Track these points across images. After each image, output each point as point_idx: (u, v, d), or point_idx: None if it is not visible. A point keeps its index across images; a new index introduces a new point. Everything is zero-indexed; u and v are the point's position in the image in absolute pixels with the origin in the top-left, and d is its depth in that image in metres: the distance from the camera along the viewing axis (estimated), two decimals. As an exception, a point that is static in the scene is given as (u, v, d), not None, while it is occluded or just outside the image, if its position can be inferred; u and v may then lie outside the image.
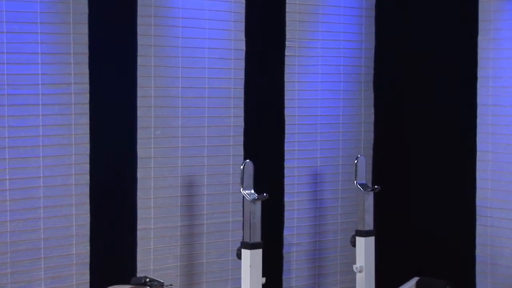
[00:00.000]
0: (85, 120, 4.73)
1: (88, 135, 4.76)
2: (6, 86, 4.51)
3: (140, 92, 4.90)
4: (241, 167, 4.95)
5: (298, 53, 5.66)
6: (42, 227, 4.66)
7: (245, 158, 5.07)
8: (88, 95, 4.76)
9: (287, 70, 5.63)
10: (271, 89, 5.58)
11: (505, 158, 5.46)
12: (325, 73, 5.79)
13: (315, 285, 5.83)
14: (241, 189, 4.94)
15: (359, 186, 5.31)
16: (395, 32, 5.93)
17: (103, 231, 4.83)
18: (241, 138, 5.31)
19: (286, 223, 5.66)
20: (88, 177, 4.78)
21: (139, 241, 4.91)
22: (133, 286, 3.75)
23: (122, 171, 4.96)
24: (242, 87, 5.37)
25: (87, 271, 4.77)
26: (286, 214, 5.65)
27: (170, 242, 5.09)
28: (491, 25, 5.49)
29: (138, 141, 4.95)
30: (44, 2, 4.60)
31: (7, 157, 4.53)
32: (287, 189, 5.65)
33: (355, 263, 5.31)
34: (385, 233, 5.42)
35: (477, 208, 5.58)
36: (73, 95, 4.73)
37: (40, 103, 4.63)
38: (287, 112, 5.64)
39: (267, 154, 5.52)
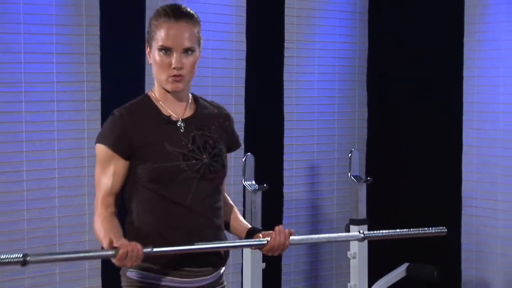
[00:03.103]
0: (97, 115, 4.73)
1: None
2: (23, 84, 4.52)
3: (147, 90, 4.89)
4: (243, 159, 4.95)
5: (296, 54, 5.66)
6: (57, 215, 4.66)
7: (246, 152, 5.06)
8: (99, 93, 4.77)
9: (286, 70, 5.63)
10: (271, 88, 5.59)
11: (489, 152, 5.46)
12: (322, 72, 5.79)
13: (312, 270, 5.83)
14: (243, 180, 4.95)
15: (353, 178, 5.31)
16: (386, 35, 5.94)
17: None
18: (242, 133, 5.31)
19: (285, 213, 5.66)
20: (99, 169, 4.78)
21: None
22: None
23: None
24: (243, 85, 5.38)
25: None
26: (285, 204, 5.65)
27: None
28: (477, 28, 5.48)
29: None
30: (59, 6, 4.61)
31: (24, 150, 4.54)
32: (286, 181, 5.65)
33: (349, 250, 5.30)
34: (377, 222, 5.41)
35: (463, 199, 5.58)
36: (85, 92, 4.74)
37: (55, 99, 4.63)
38: (286, 109, 5.64)
39: (267, 148, 5.52)
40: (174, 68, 2.81)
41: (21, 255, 2.55)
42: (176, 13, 2.83)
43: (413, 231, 3.04)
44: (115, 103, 2.97)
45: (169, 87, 2.85)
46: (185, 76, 2.83)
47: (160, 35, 2.82)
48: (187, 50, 2.82)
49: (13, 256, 2.55)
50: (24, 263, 2.55)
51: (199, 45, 2.89)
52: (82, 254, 2.80)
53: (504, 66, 5.39)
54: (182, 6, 2.89)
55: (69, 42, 4.67)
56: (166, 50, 2.81)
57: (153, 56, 2.85)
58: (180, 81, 2.83)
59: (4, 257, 2.55)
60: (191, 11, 2.88)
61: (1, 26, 4.42)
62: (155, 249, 2.69)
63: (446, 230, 3.11)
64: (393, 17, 5.91)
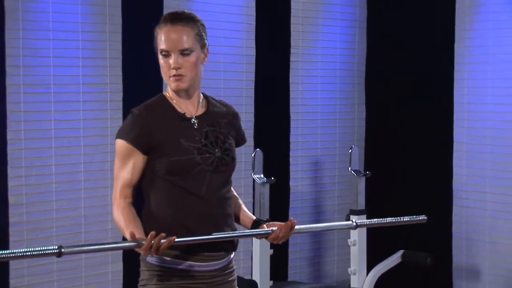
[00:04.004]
0: (119, 115, 4.75)
1: (122, 128, 4.78)
2: (52, 86, 4.54)
3: (165, 90, 4.92)
4: (252, 155, 4.97)
5: (301, 59, 5.68)
6: (82, 205, 4.69)
7: (255, 148, 5.08)
8: (121, 94, 4.79)
9: (291, 73, 5.64)
10: (278, 90, 5.60)
11: (478, 148, 5.46)
12: (324, 76, 5.80)
13: (316, 257, 5.84)
14: (252, 174, 4.96)
15: (353, 172, 5.32)
16: (383, 41, 5.95)
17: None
18: (252, 131, 5.33)
19: (291, 204, 5.67)
20: (121, 163, 4.80)
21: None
22: None
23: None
24: (253, 87, 5.40)
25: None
26: (291, 196, 5.67)
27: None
28: (466, 35, 5.49)
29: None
30: (85, 14, 4.64)
31: (53, 146, 4.57)
32: (292, 174, 5.66)
33: (349, 238, 5.32)
34: (375, 212, 5.43)
35: (454, 192, 5.59)
36: (108, 93, 4.76)
37: (81, 100, 4.66)
38: (291, 109, 5.65)
39: (275, 144, 5.54)
40: (173, 69, 2.82)
41: (57, 247, 2.57)
42: (173, 18, 2.82)
43: (398, 219, 3.22)
44: (136, 103, 2.98)
45: (172, 86, 2.85)
46: (186, 76, 2.82)
47: (160, 40, 2.82)
48: (184, 51, 2.81)
49: (49, 248, 2.57)
50: (59, 254, 2.57)
51: (201, 46, 2.86)
52: (110, 245, 2.81)
53: (492, 70, 5.39)
54: (184, 11, 2.89)
55: (94, 48, 4.69)
56: (165, 53, 2.81)
57: (159, 60, 2.87)
58: (181, 80, 2.82)
59: (40, 249, 2.57)
60: (191, 15, 2.86)
61: (32, 33, 4.45)
62: (176, 240, 2.69)
63: (426, 218, 3.29)
64: (389, 25, 5.92)
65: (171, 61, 2.81)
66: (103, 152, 4.73)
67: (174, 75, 2.82)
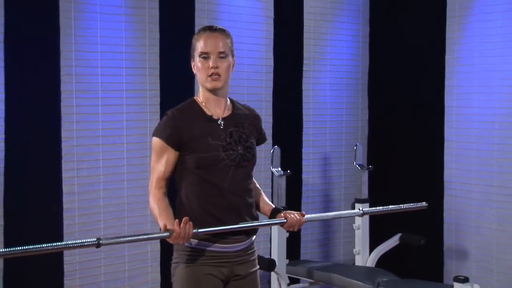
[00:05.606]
0: (157, 116, 4.77)
1: (159, 128, 4.78)
2: (100, 91, 4.57)
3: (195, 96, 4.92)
4: (271, 151, 4.97)
5: (312, 69, 5.67)
6: (126, 195, 4.71)
7: (273, 145, 5.08)
8: (159, 98, 4.81)
9: (304, 81, 5.64)
10: (292, 95, 5.60)
11: (466, 146, 5.44)
12: (332, 83, 5.79)
13: (325, 239, 5.84)
14: (271, 168, 4.96)
15: (357, 166, 5.31)
16: (383, 54, 5.93)
17: (171, 197, 4.86)
18: (271, 130, 5.33)
19: (304, 194, 5.67)
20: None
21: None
22: None
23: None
24: (271, 93, 5.40)
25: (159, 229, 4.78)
26: (304, 187, 5.67)
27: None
28: (455, 47, 5.47)
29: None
30: (127, 30, 4.66)
31: (100, 143, 4.59)
32: (304, 168, 5.66)
33: (354, 223, 5.30)
34: (376, 201, 5.40)
35: (445, 183, 5.57)
36: (148, 98, 4.78)
37: (124, 103, 4.68)
38: (304, 111, 5.65)
39: (290, 142, 5.53)
40: (212, 68, 2.81)
41: (95, 239, 2.55)
42: (212, 28, 2.89)
43: (400, 206, 3.12)
44: (171, 106, 2.99)
45: (209, 85, 2.85)
46: (222, 76, 2.84)
47: (200, 45, 2.84)
48: (222, 54, 2.83)
49: (89, 240, 2.55)
50: (98, 245, 2.56)
51: (232, 55, 2.90)
52: (143, 236, 2.78)
53: (478, 78, 5.37)
54: (218, 26, 2.93)
55: (135, 59, 4.71)
56: (205, 55, 2.83)
57: (196, 63, 2.86)
58: (218, 79, 2.84)
59: (81, 241, 2.55)
60: (224, 28, 2.92)
61: (83, 46, 4.48)
62: (200, 230, 2.73)
63: (426, 204, 3.20)
64: (389, 40, 5.91)
65: (210, 62, 2.82)
66: (143, 148, 4.74)
67: (212, 74, 2.82)
